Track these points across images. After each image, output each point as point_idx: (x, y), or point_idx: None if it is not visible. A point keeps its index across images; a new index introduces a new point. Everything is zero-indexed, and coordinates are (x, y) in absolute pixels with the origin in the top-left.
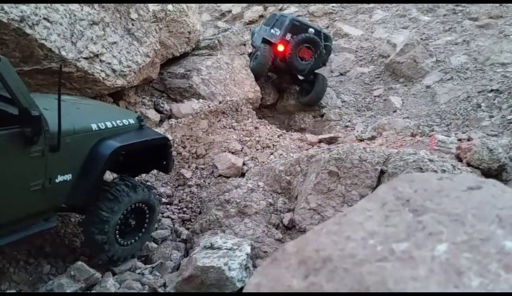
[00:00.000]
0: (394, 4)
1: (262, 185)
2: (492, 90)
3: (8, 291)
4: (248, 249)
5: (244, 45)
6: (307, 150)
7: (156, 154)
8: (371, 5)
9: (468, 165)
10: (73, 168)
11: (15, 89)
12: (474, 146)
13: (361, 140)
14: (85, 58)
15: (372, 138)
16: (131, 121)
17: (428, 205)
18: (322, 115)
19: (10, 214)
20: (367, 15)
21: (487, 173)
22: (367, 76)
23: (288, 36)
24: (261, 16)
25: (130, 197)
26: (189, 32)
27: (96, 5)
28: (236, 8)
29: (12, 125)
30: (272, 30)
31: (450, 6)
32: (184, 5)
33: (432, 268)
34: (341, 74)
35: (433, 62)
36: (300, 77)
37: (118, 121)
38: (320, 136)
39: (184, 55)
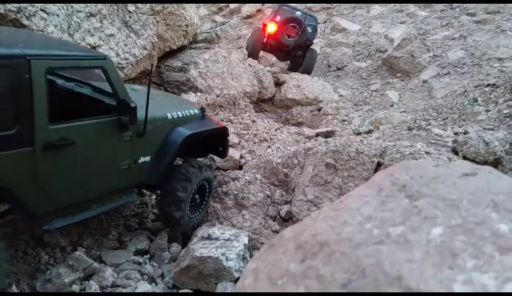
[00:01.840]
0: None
1: (259, 178)
2: (488, 85)
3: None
4: (245, 240)
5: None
6: (304, 143)
7: (215, 141)
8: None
9: (464, 158)
10: (152, 151)
11: (115, 83)
12: (470, 140)
13: (358, 134)
14: None
15: (369, 132)
16: (196, 111)
17: (424, 191)
18: (319, 110)
19: (104, 189)
20: (364, 10)
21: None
22: (365, 71)
23: (278, 18)
24: (258, 11)
25: (198, 176)
26: (187, 25)
27: None
28: (233, 2)
29: (110, 114)
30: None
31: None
32: None
33: (427, 251)
34: (339, 69)
35: (430, 57)
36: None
37: (186, 111)
38: (317, 130)
39: (182, 48)
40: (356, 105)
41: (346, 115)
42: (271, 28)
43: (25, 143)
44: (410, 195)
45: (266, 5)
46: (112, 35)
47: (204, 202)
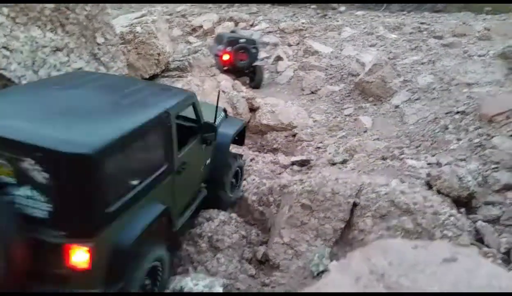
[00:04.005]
0: (361, 22)
1: (234, 217)
2: (458, 112)
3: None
4: (219, 290)
5: (229, 70)
6: (279, 173)
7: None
8: (340, 22)
9: (439, 192)
10: (210, 154)
11: (199, 111)
12: (443, 174)
13: (334, 164)
14: None
15: (344, 162)
16: (223, 113)
17: (403, 282)
18: (294, 135)
19: (195, 190)
20: (336, 32)
21: (457, 201)
22: (338, 94)
23: (229, 49)
24: (232, 32)
25: (235, 165)
26: (158, 54)
27: (60, 31)
28: (207, 23)
29: (197, 134)
30: (218, 47)
31: (416, 24)
32: (153, 27)
33: None
34: (312, 93)
35: (400, 82)
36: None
37: (221, 116)
38: (293, 159)
39: (154, 77)
40: (330, 130)
41: (321, 142)
42: (226, 57)
43: (170, 172)
44: (389, 287)
45: (240, 25)
46: (80, 69)
47: (238, 184)
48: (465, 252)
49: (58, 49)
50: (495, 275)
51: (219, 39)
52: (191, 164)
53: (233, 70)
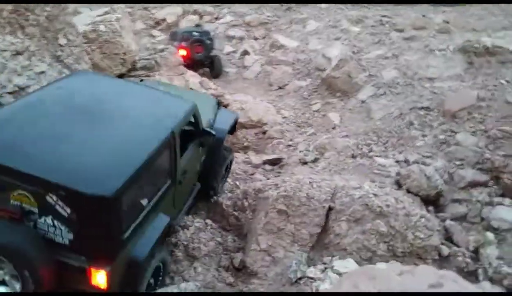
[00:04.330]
0: (325, 14)
1: (209, 223)
2: (422, 108)
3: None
4: None
5: (190, 65)
6: (252, 174)
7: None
8: (305, 15)
9: (408, 191)
10: (205, 152)
11: (199, 118)
12: (412, 173)
13: (305, 163)
14: (10, 93)
15: (315, 160)
16: (216, 105)
17: None
18: (264, 133)
19: (191, 187)
20: (300, 26)
21: (426, 199)
22: (305, 90)
23: (184, 44)
24: (197, 26)
25: (229, 158)
26: (124, 53)
27: (19, 34)
28: (170, 16)
29: (195, 139)
30: (174, 43)
31: (378, 17)
32: (117, 25)
33: None
34: (280, 88)
35: (366, 77)
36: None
37: (215, 108)
38: (264, 158)
39: (120, 76)
40: (299, 127)
41: (291, 140)
42: (183, 52)
43: (173, 185)
44: None
45: (204, 18)
46: (42, 72)
47: (226, 175)
48: (450, 276)
49: (18, 53)
50: None
51: (173, 36)
52: (189, 169)
53: (192, 64)
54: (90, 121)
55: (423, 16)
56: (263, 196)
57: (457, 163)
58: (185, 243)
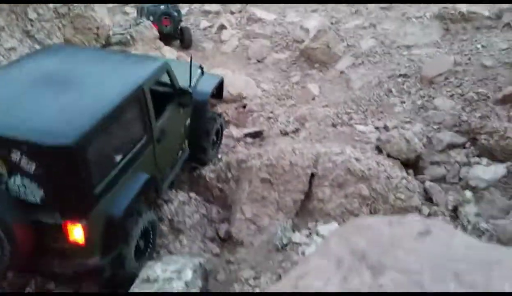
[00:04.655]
0: None
1: (193, 196)
2: (400, 75)
3: None
4: (189, 275)
5: (160, 39)
6: (233, 147)
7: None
8: None
9: (388, 155)
10: (190, 114)
11: (173, 77)
12: (392, 138)
13: (286, 134)
14: None
15: (296, 131)
16: (199, 71)
17: (385, 261)
18: (244, 106)
19: (178, 151)
20: None
21: (406, 163)
22: (284, 63)
23: (151, 18)
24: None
25: (217, 123)
26: (97, 28)
27: None
28: None
29: (173, 99)
30: (140, 19)
31: None
32: None
33: None
34: (259, 61)
35: (344, 47)
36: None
37: (198, 73)
38: (245, 131)
39: None
40: (279, 100)
41: (271, 112)
42: None
43: (150, 142)
44: (372, 266)
45: None
46: (13, 48)
47: (218, 142)
48: (438, 224)
49: None
50: (470, 246)
51: (140, 12)
52: (170, 130)
53: (163, 38)
54: (57, 85)
55: None
56: (246, 166)
57: (435, 127)
58: (169, 217)
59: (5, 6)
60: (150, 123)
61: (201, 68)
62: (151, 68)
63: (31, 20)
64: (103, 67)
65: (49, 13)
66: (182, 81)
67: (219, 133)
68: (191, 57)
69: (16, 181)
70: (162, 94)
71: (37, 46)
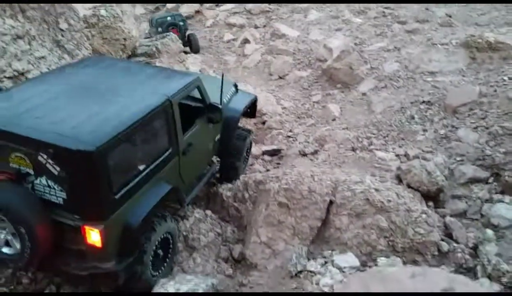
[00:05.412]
0: (328, 5)
1: (209, 213)
2: (423, 102)
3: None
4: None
5: (185, 52)
6: (251, 165)
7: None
8: (306, 5)
9: (408, 186)
10: (220, 130)
11: (204, 93)
12: (413, 168)
13: (305, 155)
14: (9, 78)
15: (315, 152)
16: (234, 89)
17: None
18: (263, 123)
19: (205, 165)
20: (302, 15)
21: (426, 195)
22: (305, 80)
23: (160, 29)
24: (197, 12)
25: (248, 141)
26: (125, 39)
27: (20, 17)
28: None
29: (203, 114)
30: (152, 29)
31: (380, 8)
32: (118, 10)
33: None
34: (280, 78)
35: (367, 69)
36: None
37: (231, 91)
38: (264, 148)
39: None
40: (299, 118)
41: (291, 131)
42: None
43: (176, 154)
44: None
45: (205, 5)
46: (42, 57)
47: (247, 157)
48: (462, 281)
49: (19, 37)
50: None
51: (150, 23)
52: (197, 143)
53: None
54: (90, 95)
55: (426, 9)
56: (264, 188)
57: (458, 158)
58: (184, 233)
59: (37, 15)
60: (177, 136)
61: (235, 86)
62: (181, 83)
63: (62, 30)
64: (136, 79)
65: (80, 24)
66: (215, 98)
67: (248, 150)
68: (222, 75)
69: (41, 181)
70: (192, 109)
71: (66, 56)
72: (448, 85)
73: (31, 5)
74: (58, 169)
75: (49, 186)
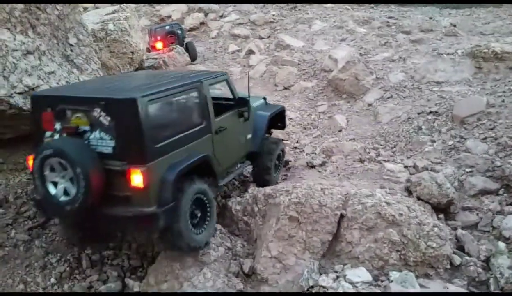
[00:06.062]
0: (331, 14)
1: (219, 227)
2: (431, 112)
3: None
4: None
5: (193, 64)
6: None
7: (277, 119)
8: (310, 15)
9: (418, 198)
10: (251, 130)
11: (233, 88)
12: (423, 181)
13: (312, 166)
14: (20, 93)
15: (323, 164)
16: (263, 100)
17: None
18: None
19: (237, 156)
20: (306, 25)
21: (436, 207)
22: (311, 91)
23: (159, 37)
24: (202, 23)
25: (277, 149)
26: (132, 52)
27: (30, 33)
28: (176, 14)
29: (234, 108)
30: (151, 39)
31: (384, 18)
32: (126, 24)
33: None
34: (286, 88)
35: (373, 80)
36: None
37: (260, 101)
38: None
39: None
40: (305, 129)
41: (297, 142)
42: (160, 45)
43: (208, 131)
44: None
45: (209, 17)
46: (52, 72)
47: (280, 166)
48: None
49: (29, 52)
50: None
51: (149, 33)
52: (229, 130)
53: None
54: (138, 79)
55: (430, 18)
56: (274, 202)
57: (467, 170)
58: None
59: (47, 31)
60: (209, 115)
61: (264, 99)
62: (210, 74)
63: (71, 45)
64: (177, 74)
65: (89, 39)
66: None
67: (280, 158)
68: (248, 72)
69: (95, 135)
70: (225, 105)
71: (76, 71)
72: (455, 95)
73: (42, 20)
74: (108, 119)
75: (101, 138)
